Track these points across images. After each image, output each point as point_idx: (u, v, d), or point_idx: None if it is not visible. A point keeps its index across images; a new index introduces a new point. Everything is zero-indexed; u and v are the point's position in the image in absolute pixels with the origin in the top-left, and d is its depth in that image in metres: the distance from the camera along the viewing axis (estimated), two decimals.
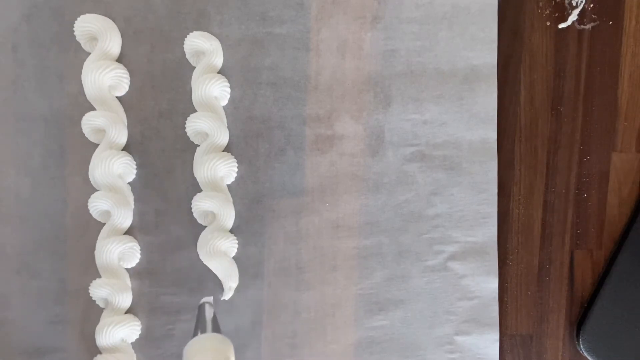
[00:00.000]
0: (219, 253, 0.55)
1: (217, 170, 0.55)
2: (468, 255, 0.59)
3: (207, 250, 0.55)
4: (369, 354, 0.59)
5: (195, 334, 0.46)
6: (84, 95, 0.54)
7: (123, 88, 0.55)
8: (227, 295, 0.55)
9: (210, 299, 0.52)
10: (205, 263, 0.55)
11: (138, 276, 0.56)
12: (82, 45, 0.54)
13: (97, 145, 0.54)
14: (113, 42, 0.53)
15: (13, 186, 0.54)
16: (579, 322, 0.61)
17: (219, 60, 0.55)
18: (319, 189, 0.57)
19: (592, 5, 0.59)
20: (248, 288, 0.57)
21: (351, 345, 0.58)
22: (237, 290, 0.56)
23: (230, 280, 0.55)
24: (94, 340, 0.54)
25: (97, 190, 0.54)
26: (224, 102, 0.56)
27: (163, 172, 0.56)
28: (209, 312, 0.50)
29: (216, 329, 0.47)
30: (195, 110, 0.55)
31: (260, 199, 0.57)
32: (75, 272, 0.55)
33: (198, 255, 0.55)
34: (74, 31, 0.53)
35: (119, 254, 0.54)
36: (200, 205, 0.55)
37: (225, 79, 0.55)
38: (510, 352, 0.61)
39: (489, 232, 0.59)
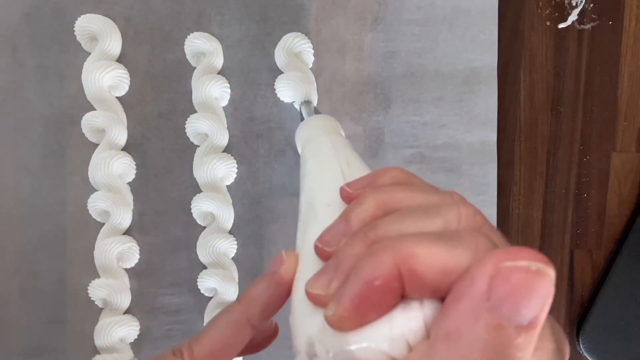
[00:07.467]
0: (219, 254, 0.55)
1: (217, 171, 0.55)
2: None
3: (207, 251, 0.55)
4: None
5: None
6: (84, 95, 0.54)
7: (123, 88, 0.55)
8: None
9: (307, 100, 0.54)
10: (204, 263, 0.55)
11: (137, 276, 0.56)
12: (82, 45, 0.54)
13: (97, 145, 0.54)
14: (113, 42, 0.53)
15: (13, 186, 0.54)
16: (579, 322, 0.61)
17: (219, 61, 0.55)
18: None
19: (592, 5, 0.59)
20: None
21: None
22: None
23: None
24: (92, 340, 0.53)
25: (97, 190, 0.54)
26: (224, 102, 0.56)
27: (163, 172, 0.56)
28: (311, 108, 0.50)
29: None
30: (195, 111, 0.55)
31: (260, 199, 0.57)
32: (74, 272, 0.55)
33: (197, 256, 0.55)
34: (74, 31, 0.53)
35: (118, 254, 0.54)
36: (200, 206, 0.55)
37: (226, 80, 0.55)
38: None
39: None
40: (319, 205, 0.31)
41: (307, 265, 0.27)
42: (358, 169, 0.34)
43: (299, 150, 0.43)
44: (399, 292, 0.21)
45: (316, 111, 0.49)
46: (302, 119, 0.48)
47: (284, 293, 0.29)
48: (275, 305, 0.29)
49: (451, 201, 0.26)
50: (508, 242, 0.26)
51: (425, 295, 0.22)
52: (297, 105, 0.55)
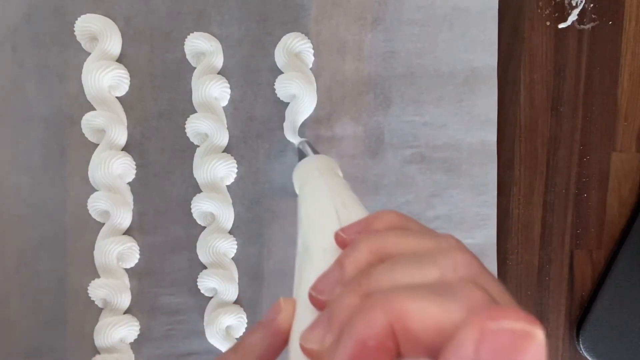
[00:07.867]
0: (219, 254, 0.55)
1: (217, 171, 0.55)
2: None
3: (207, 251, 0.54)
4: None
5: None
6: (84, 95, 0.53)
7: (123, 88, 0.54)
8: None
9: (304, 140, 0.53)
10: (204, 263, 0.55)
11: (137, 276, 0.56)
12: (83, 45, 0.54)
13: (97, 145, 0.54)
14: (113, 42, 0.53)
15: (13, 186, 0.54)
16: (578, 322, 0.61)
17: (219, 61, 0.55)
18: None
19: (592, 5, 0.59)
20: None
21: None
22: None
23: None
24: (92, 340, 0.53)
25: (97, 190, 0.54)
26: (224, 102, 0.56)
27: (163, 172, 0.56)
28: (308, 148, 0.50)
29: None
30: (195, 111, 0.55)
31: (260, 199, 0.57)
32: (75, 272, 0.55)
33: (197, 256, 0.55)
34: (74, 31, 0.53)
35: (118, 254, 0.54)
36: (200, 206, 0.55)
37: (226, 80, 0.55)
38: None
39: (488, 234, 0.59)
40: (315, 250, 0.30)
41: (304, 313, 0.26)
42: (354, 211, 0.33)
43: (297, 191, 0.43)
44: (394, 351, 0.21)
45: (314, 151, 0.49)
46: (300, 158, 0.48)
47: (281, 342, 0.28)
48: (272, 355, 0.28)
49: (447, 247, 0.26)
50: (506, 291, 0.25)
51: (421, 354, 0.21)
52: (295, 143, 0.55)
